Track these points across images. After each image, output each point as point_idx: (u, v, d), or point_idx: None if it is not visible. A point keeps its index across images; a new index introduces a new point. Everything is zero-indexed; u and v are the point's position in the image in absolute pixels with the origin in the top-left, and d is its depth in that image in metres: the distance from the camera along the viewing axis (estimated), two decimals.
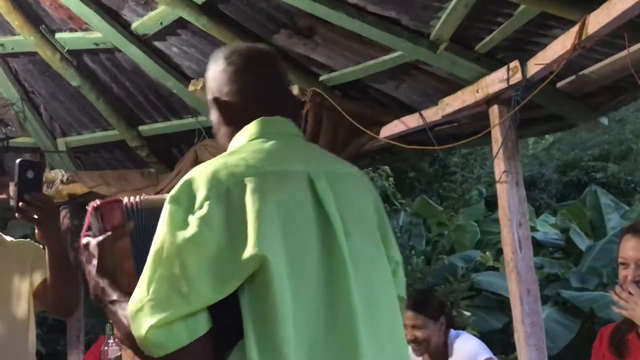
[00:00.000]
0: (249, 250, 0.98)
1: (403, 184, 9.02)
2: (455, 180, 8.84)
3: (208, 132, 3.86)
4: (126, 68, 3.61)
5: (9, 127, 3.63)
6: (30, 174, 1.71)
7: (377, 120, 3.57)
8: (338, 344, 1.01)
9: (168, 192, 3.61)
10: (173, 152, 4.20)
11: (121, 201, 1.20)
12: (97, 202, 1.21)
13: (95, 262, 1.16)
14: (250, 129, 1.16)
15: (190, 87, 3.56)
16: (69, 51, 3.49)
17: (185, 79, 3.55)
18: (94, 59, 3.57)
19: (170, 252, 0.99)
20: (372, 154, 4.12)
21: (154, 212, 1.18)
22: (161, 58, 3.48)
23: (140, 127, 3.99)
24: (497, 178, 3.05)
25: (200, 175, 1.04)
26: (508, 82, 2.84)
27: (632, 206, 8.34)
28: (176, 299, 0.96)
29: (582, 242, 7.00)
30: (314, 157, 1.16)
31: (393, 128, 3.57)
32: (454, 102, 3.21)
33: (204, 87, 3.77)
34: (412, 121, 3.48)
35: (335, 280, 1.04)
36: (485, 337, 4.66)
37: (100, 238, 1.17)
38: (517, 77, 2.80)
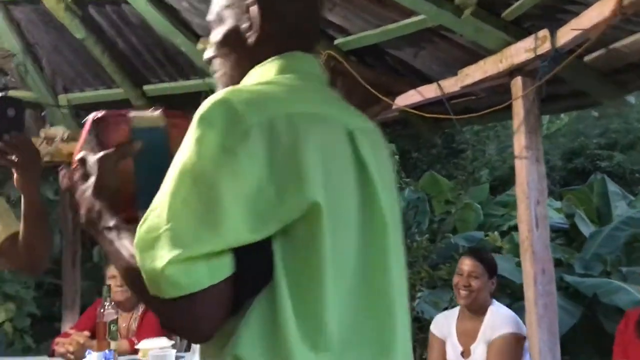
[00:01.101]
0: (297, 192, 0.84)
1: (407, 164, 8.90)
2: (465, 157, 8.70)
3: None
4: (133, 22, 3.46)
5: (9, 77, 3.49)
6: (11, 112, 1.56)
7: (392, 89, 3.44)
8: (374, 306, 0.91)
9: None
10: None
11: (128, 116, 1.05)
12: (100, 113, 1.05)
13: (92, 180, 1.00)
14: (282, 61, 0.99)
15: (199, 46, 3.42)
16: (74, 1, 3.34)
17: (194, 36, 3.41)
18: (100, 11, 3.42)
19: (200, 178, 0.83)
20: (383, 126, 3.98)
21: (165, 135, 1.05)
22: (170, 13, 3.33)
23: (145, 87, 3.85)
24: (516, 153, 2.92)
25: (236, 97, 0.87)
26: (535, 51, 2.70)
27: (637, 195, 8.23)
28: (204, 232, 0.81)
29: (586, 228, 6.90)
30: (346, 109, 1.02)
31: (409, 98, 3.44)
32: (474, 73, 3.07)
33: None
34: (429, 91, 3.35)
35: (374, 242, 0.93)
36: None
37: (102, 153, 1.01)
38: (546, 47, 2.66)
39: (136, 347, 2.83)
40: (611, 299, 5.42)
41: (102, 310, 2.78)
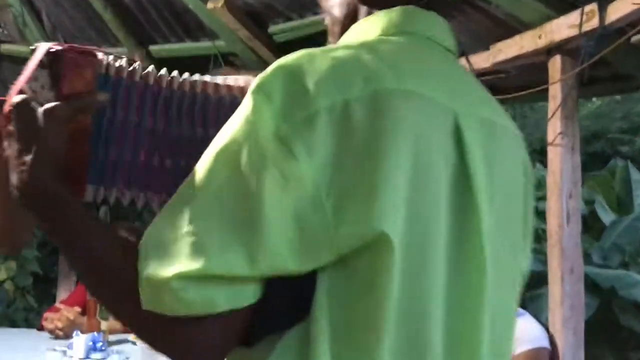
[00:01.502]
0: (362, 215, 0.60)
1: None
2: None
3: (225, 59, 3.49)
4: None
5: (2, 30, 3.25)
6: None
7: None
8: None
9: None
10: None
11: (96, 56, 0.76)
12: (59, 46, 0.75)
13: (36, 141, 0.69)
14: (390, 16, 0.73)
15: (209, 5, 3.16)
16: None
17: None
18: None
19: (239, 173, 0.61)
20: None
21: (144, 89, 0.79)
22: None
23: (151, 47, 3.60)
24: (549, 139, 2.67)
25: (309, 64, 0.63)
26: (580, 28, 2.43)
27: None
28: (234, 252, 0.59)
29: (606, 216, 6.65)
30: (466, 89, 0.74)
31: None
32: (509, 49, 2.80)
33: (224, 6, 3.41)
34: None
35: (464, 291, 0.67)
36: None
37: (53, 104, 0.71)
38: (592, 24, 2.39)
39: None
40: (630, 293, 5.21)
41: None
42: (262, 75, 0.63)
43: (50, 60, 0.73)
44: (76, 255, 0.68)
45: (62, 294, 3.88)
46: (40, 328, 2.83)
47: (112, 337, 2.62)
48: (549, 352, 2.42)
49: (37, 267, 7.08)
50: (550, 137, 2.66)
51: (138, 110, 0.79)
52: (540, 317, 4.95)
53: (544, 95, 2.76)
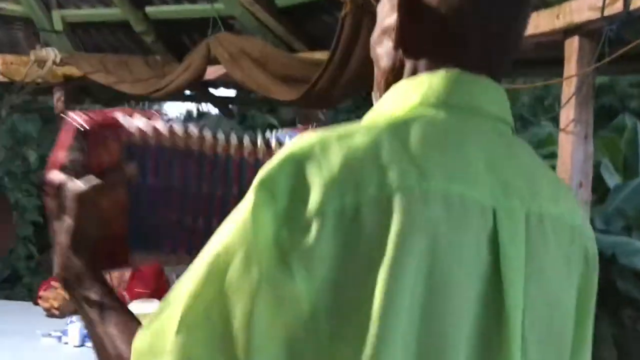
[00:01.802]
0: (361, 345, 0.54)
1: None
2: None
3: (225, 23, 3.33)
4: None
5: None
6: None
7: None
8: None
9: (175, 90, 2.98)
10: (183, 41, 3.67)
11: (119, 125, 0.74)
12: (82, 116, 0.74)
13: (69, 223, 0.71)
14: (434, 83, 0.63)
15: None
16: None
17: None
18: None
19: (232, 285, 0.56)
20: None
21: (173, 152, 0.76)
22: None
23: (147, 8, 3.43)
24: (562, 126, 2.56)
25: (323, 154, 0.56)
26: (602, 11, 2.28)
27: None
28: None
29: (611, 178, 6.57)
30: (514, 177, 0.63)
31: None
32: None
33: None
34: None
35: None
36: None
37: (83, 187, 0.71)
38: (616, 8, 2.24)
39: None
40: (631, 261, 5.19)
41: None
42: (268, 167, 0.56)
43: (77, 136, 0.74)
44: (92, 341, 0.70)
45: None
46: (37, 303, 2.81)
47: None
48: None
49: (37, 215, 7.09)
50: (562, 122, 2.55)
51: (167, 173, 0.78)
52: None
53: (558, 71, 2.63)
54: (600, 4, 2.28)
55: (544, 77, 3.76)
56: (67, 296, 2.67)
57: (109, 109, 0.79)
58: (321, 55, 3.26)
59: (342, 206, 0.54)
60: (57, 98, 4.00)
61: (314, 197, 0.54)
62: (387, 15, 0.67)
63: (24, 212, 7.12)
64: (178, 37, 3.59)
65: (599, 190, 6.89)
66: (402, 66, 0.66)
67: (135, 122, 0.76)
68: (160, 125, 0.76)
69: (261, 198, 0.55)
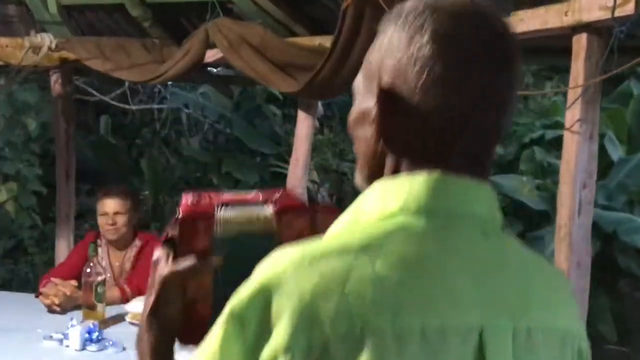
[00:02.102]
0: None
1: None
2: None
3: (223, 8, 3.24)
4: None
5: None
6: None
7: None
8: None
9: (174, 76, 2.91)
10: (182, 23, 3.58)
11: (211, 215, 0.83)
12: (190, 199, 0.84)
13: (150, 300, 0.81)
14: (415, 188, 0.60)
15: None
16: None
17: None
18: None
19: None
20: None
21: (270, 245, 0.80)
22: None
23: None
24: (567, 124, 2.51)
25: (294, 281, 0.54)
26: (613, 12, 2.20)
27: None
28: None
29: (615, 151, 6.51)
30: (502, 287, 0.61)
31: None
32: (531, 20, 2.57)
33: None
34: None
35: None
36: None
37: (166, 271, 0.80)
38: (628, 9, 2.16)
39: (126, 308, 2.63)
40: (632, 239, 5.19)
41: (88, 271, 2.55)
42: (238, 297, 0.56)
43: (175, 222, 0.83)
44: None
45: (59, 251, 3.85)
46: (37, 296, 2.82)
47: (110, 309, 2.61)
48: None
49: (40, 185, 7.07)
50: (568, 122, 2.50)
51: (249, 264, 0.81)
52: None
53: (565, 60, 2.56)
54: (610, 4, 2.20)
55: (550, 61, 3.68)
56: (67, 292, 2.69)
57: (221, 193, 0.86)
58: (322, 40, 3.19)
59: (309, 343, 0.52)
60: (55, 80, 3.94)
61: (282, 332, 0.53)
62: (365, 96, 0.64)
63: (25, 182, 7.09)
64: (176, 21, 3.50)
65: (602, 164, 6.83)
66: (383, 155, 0.63)
67: (227, 212, 0.82)
68: (250, 213, 0.83)
69: (231, 330, 0.55)
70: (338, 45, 2.80)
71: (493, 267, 0.61)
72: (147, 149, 8.02)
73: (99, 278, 2.54)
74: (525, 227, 5.63)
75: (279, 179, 6.74)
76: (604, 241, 5.42)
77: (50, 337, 2.33)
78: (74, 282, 2.77)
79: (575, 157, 2.46)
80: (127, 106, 5.77)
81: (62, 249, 3.79)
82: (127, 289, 2.87)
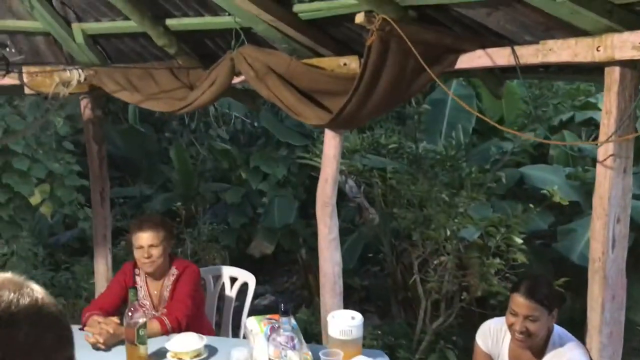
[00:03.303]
0: None
1: None
2: None
3: (247, 35, 3.23)
4: None
5: (7, 49, 3.03)
6: None
7: (454, 47, 2.89)
8: None
9: (201, 105, 2.95)
10: (207, 44, 3.58)
11: None
12: None
13: None
14: None
15: None
16: None
17: None
18: None
19: None
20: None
21: None
22: None
23: (168, 21, 3.34)
24: (599, 158, 2.48)
25: None
26: None
27: None
28: None
29: None
30: None
31: (474, 59, 2.89)
32: (561, 51, 2.52)
33: None
34: (500, 56, 2.80)
35: None
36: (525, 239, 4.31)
37: None
38: None
39: (167, 347, 2.71)
40: None
41: (130, 313, 2.64)
42: None
43: None
44: None
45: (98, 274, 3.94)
46: (82, 329, 2.92)
47: (149, 346, 2.69)
48: None
49: (78, 179, 7.17)
50: (600, 155, 2.46)
51: None
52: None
53: (597, 78, 2.51)
54: None
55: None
56: (110, 330, 2.78)
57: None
58: (347, 60, 3.17)
59: None
60: (84, 105, 4.00)
61: None
62: None
63: (62, 180, 7.19)
64: (201, 43, 3.50)
65: (636, 146, 6.66)
66: None
67: None
68: None
69: None
70: (364, 79, 2.78)
71: None
72: (175, 139, 8.09)
73: (141, 321, 2.62)
74: (556, 219, 5.56)
75: (306, 170, 6.74)
76: (637, 232, 5.33)
77: None
78: (116, 320, 2.87)
79: (608, 192, 2.43)
80: None
81: (101, 271, 3.89)
82: (167, 321, 2.96)
